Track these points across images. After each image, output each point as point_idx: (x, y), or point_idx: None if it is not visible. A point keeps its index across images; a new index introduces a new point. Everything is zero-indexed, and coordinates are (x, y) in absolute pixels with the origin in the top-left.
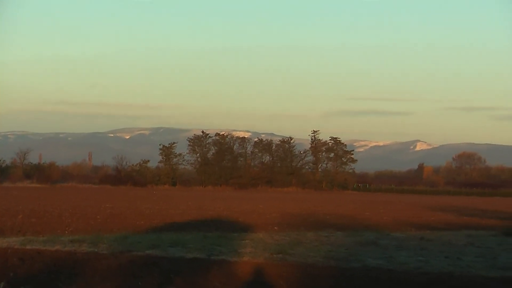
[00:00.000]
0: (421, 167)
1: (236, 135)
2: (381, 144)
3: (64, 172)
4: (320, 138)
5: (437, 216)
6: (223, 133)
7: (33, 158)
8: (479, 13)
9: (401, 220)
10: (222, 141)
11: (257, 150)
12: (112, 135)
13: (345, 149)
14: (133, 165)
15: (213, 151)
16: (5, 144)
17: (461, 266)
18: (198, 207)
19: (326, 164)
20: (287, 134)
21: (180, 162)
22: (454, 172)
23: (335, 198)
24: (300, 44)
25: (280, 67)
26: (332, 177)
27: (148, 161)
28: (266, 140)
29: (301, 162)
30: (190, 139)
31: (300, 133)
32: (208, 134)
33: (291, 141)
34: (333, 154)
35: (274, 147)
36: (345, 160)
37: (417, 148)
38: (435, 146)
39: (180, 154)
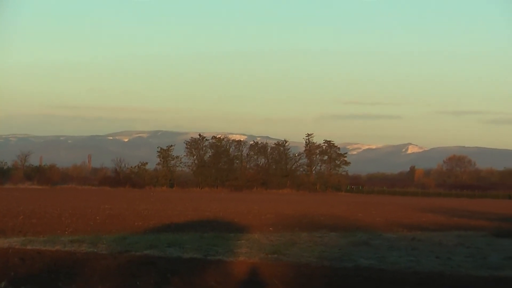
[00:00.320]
0: (412, 169)
1: (232, 138)
2: (374, 147)
3: (64, 174)
4: (314, 141)
5: (428, 217)
6: (220, 136)
7: (34, 160)
8: (469, 20)
9: (393, 221)
10: (219, 144)
11: (252, 153)
12: (111, 138)
13: (338, 152)
14: (131, 167)
15: (210, 154)
16: (6, 146)
17: (451, 265)
18: (195, 208)
19: (320, 166)
20: (282, 137)
21: (177, 165)
22: (445, 174)
23: (328, 200)
24: (294, 49)
25: (275, 72)
26: (325, 179)
27: (146, 163)
28: (262, 143)
29: (295, 164)
30: (187, 142)
31: (294, 136)
32: (204, 137)
33: (286, 144)
34: (326, 156)
35: (269, 150)
36: (338, 163)
37: (409, 151)
38: (426, 149)
39: (177, 157)
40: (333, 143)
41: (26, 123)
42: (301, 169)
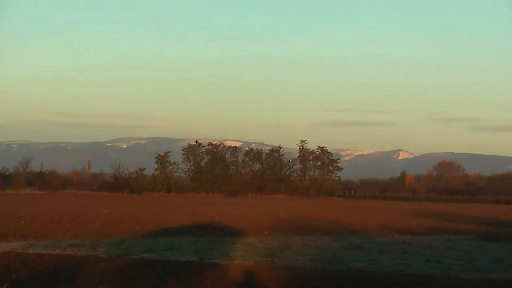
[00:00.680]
0: (403, 175)
1: (228, 145)
2: (366, 153)
3: (64, 180)
4: (308, 147)
5: (419, 222)
6: (216, 142)
7: (35, 166)
8: (457, 31)
9: (384, 225)
10: (215, 150)
11: (247, 159)
12: (110, 144)
13: (331, 158)
14: (130, 173)
15: (206, 160)
16: (8, 153)
17: (441, 268)
18: (192, 213)
19: (313, 172)
20: (276, 143)
21: (174, 170)
22: (435, 179)
23: (321, 204)
24: (289, 58)
25: (270, 80)
26: (319, 185)
27: (144, 169)
28: (257, 149)
29: (289, 170)
30: (184, 148)
31: (288, 143)
32: (201, 143)
33: (280, 150)
34: (320, 162)
35: (264, 156)
36: (331, 168)
37: (400, 157)
38: (416, 155)
39: (174, 163)
40: (326, 149)
41: (27, 130)
42: (295, 175)
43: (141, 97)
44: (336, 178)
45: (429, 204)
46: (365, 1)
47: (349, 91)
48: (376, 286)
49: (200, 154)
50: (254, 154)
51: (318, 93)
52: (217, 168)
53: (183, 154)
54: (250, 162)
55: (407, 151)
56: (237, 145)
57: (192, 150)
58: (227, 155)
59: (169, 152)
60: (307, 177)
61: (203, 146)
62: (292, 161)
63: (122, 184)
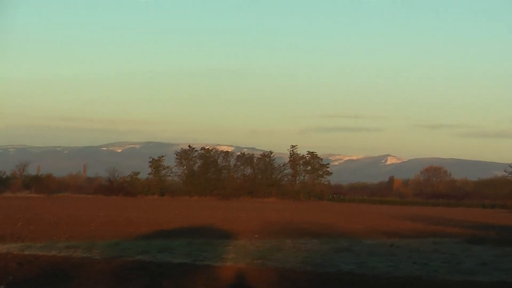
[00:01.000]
0: (391, 179)
1: (220, 149)
2: (355, 158)
3: (60, 183)
4: (298, 152)
5: (406, 225)
6: (208, 147)
7: (31, 170)
8: (445, 39)
9: (373, 228)
10: (207, 154)
11: (239, 163)
12: (105, 148)
13: (321, 162)
14: (124, 176)
15: (199, 164)
16: (5, 156)
17: (428, 271)
18: (185, 216)
19: (304, 176)
20: (267, 148)
21: (168, 174)
22: (422, 184)
23: (311, 208)
24: (279, 66)
25: (261, 87)
26: (309, 189)
27: (139, 173)
28: (248, 154)
29: (280, 174)
30: (178, 152)
31: (279, 148)
32: (194, 148)
33: (271, 155)
34: (310, 167)
35: (255, 161)
36: (321, 173)
37: (388, 162)
38: (404, 160)
39: (168, 167)
40: (316, 154)
41: (24, 134)
42: (286, 179)
43: (135, 103)
44: (326, 183)
45: (416, 208)
46: (354, 9)
47: (339, 98)
48: None
49: (193, 159)
50: (245, 158)
51: (308, 99)
52: (209, 172)
53: (177, 158)
54: (242, 167)
55: (395, 157)
56: (229, 150)
57: (185, 155)
58: (219, 160)
59: (162, 156)
60: (297, 181)
61: (196, 150)
62: (283, 166)
63: (117, 188)
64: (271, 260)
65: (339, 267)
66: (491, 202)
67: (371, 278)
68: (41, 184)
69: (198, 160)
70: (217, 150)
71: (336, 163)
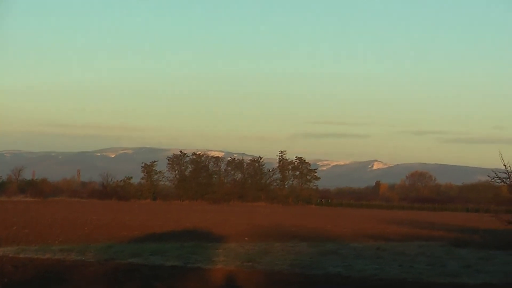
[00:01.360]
0: (377, 184)
1: (211, 155)
2: (342, 163)
3: (55, 187)
4: (287, 157)
5: (392, 229)
6: (199, 152)
7: (27, 175)
8: (428, 48)
9: (359, 232)
10: (198, 160)
11: (230, 168)
12: (98, 154)
13: (309, 167)
14: (117, 181)
15: (190, 169)
16: (1, 161)
17: (413, 273)
18: (176, 220)
19: (292, 181)
20: (257, 153)
21: (160, 179)
22: (407, 189)
23: (300, 212)
24: (269, 73)
25: (251, 93)
26: (297, 193)
27: (131, 177)
28: (238, 159)
29: (269, 179)
30: (170, 158)
31: (269, 153)
32: (185, 153)
33: (261, 160)
34: (298, 172)
35: (245, 166)
36: (309, 178)
37: (374, 167)
38: (390, 165)
39: (160, 172)
40: (304, 160)
41: (19, 140)
42: (275, 184)
43: (128, 109)
44: (314, 187)
45: (402, 212)
46: (342, 19)
47: (327, 105)
48: None
49: (185, 164)
50: (236, 164)
51: (297, 106)
52: (200, 177)
53: (168, 163)
54: (232, 172)
55: (381, 162)
56: (220, 155)
57: (177, 160)
58: (210, 165)
59: (155, 161)
60: (286, 186)
61: (187, 156)
62: (272, 171)
63: (110, 192)
64: (260, 263)
65: (327, 269)
66: (475, 206)
67: (357, 280)
68: (36, 188)
69: (190, 165)
70: (208, 156)
71: (324, 168)
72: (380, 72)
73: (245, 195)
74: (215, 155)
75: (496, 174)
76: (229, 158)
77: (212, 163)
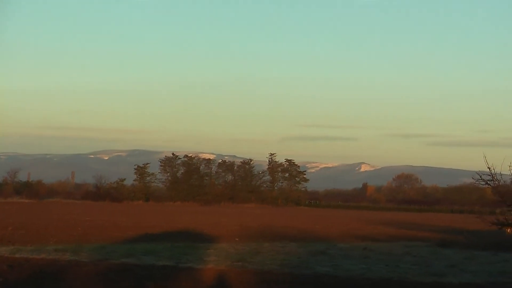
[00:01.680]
0: (365, 186)
1: (202, 157)
2: (330, 165)
3: (50, 189)
4: (277, 160)
5: (379, 229)
6: (191, 155)
7: (22, 177)
8: (415, 55)
9: (347, 233)
10: (190, 162)
11: (220, 170)
12: (92, 156)
13: (298, 170)
14: (111, 183)
15: (182, 171)
16: None
17: (399, 272)
18: (168, 221)
19: (282, 183)
20: (247, 156)
21: (152, 181)
22: (394, 190)
23: (289, 213)
24: (259, 77)
25: (242, 97)
26: (287, 195)
27: (125, 179)
28: (229, 161)
29: (259, 181)
30: (162, 160)
31: (259, 156)
32: (177, 156)
33: (251, 163)
34: (288, 174)
35: (236, 168)
36: (298, 180)
37: (362, 170)
38: (377, 167)
39: (152, 174)
40: (293, 162)
41: (15, 142)
42: (265, 185)
43: (121, 113)
44: (303, 189)
45: (388, 213)
46: (331, 24)
47: (315, 108)
48: None
49: (177, 166)
50: (226, 166)
51: (287, 110)
52: (192, 179)
53: (161, 165)
54: (223, 174)
55: (369, 164)
56: (211, 158)
57: (169, 162)
58: (201, 167)
59: (147, 163)
60: (276, 188)
61: (179, 158)
62: (262, 173)
63: (104, 194)
64: (250, 263)
65: (315, 269)
66: (459, 208)
67: (345, 279)
68: (31, 190)
69: (181, 167)
70: (199, 158)
71: (313, 170)
72: (368, 77)
73: (236, 197)
74: (206, 158)
75: (481, 177)
76: (220, 160)
77: (203, 165)
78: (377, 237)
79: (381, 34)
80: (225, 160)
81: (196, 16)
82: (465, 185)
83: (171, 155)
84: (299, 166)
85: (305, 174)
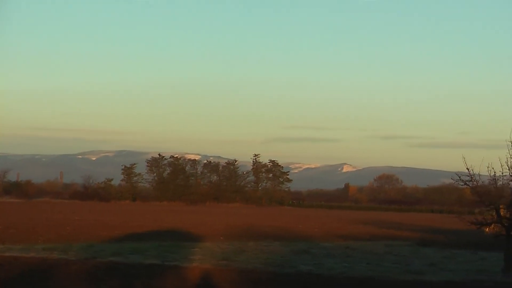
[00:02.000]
0: (347, 186)
1: (188, 158)
2: (313, 166)
3: (39, 189)
4: (261, 160)
5: (360, 229)
6: (177, 155)
7: (12, 177)
8: (396, 58)
9: (330, 232)
10: (176, 162)
11: (206, 171)
12: (80, 156)
13: (282, 170)
14: (98, 183)
15: (168, 171)
16: None
17: (380, 271)
18: (155, 220)
19: (266, 183)
20: (232, 157)
21: (139, 181)
22: (375, 191)
23: (273, 213)
24: (243, 80)
25: (227, 99)
26: (270, 195)
27: (112, 179)
28: (214, 162)
29: (244, 181)
30: (149, 160)
31: (243, 156)
32: (164, 156)
33: (236, 163)
34: (271, 174)
35: (221, 168)
36: (282, 180)
37: (344, 170)
38: (359, 168)
39: (139, 174)
40: (277, 163)
41: (5, 143)
42: (249, 185)
43: (109, 114)
44: (286, 189)
45: (370, 213)
46: (312, 28)
47: (298, 110)
48: (321, 287)
49: (163, 166)
50: (212, 166)
51: (270, 111)
52: (178, 179)
53: (147, 166)
54: (208, 174)
55: (351, 165)
56: (196, 158)
57: (156, 163)
58: (187, 167)
59: (134, 164)
60: (260, 188)
61: (165, 159)
62: (246, 173)
63: (92, 193)
64: (235, 261)
65: (298, 268)
66: (439, 208)
67: (327, 278)
68: (21, 189)
69: (168, 168)
70: (185, 159)
71: (296, 171)
72: (350, 80)
73: (221, 197)
74: (192, 158)
75: (460, 177)
76: (205, 161)
77: (189, 165)
78: (359, 237)
79: (363, 36)
80: (210, 161)
81: (179, 17)
82: (445, 186)
83: (158, 156)
84: (282, 166)
85: (288, 174)
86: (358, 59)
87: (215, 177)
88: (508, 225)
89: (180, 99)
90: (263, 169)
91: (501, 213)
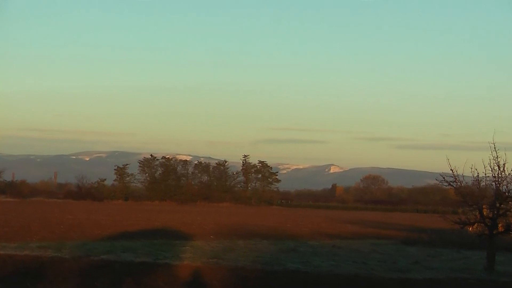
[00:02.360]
0: (334, 186)
1: (179, 158)
2: (301, 167)
3: (33, 189)
4: (250, 161)
5: (347, 228)
6: (169, 156)
7: (7, 176)
8: (382, 61)
9: (317, 231)
10: (168, 163)
11: (197, 171)
12: (74, 157)
13: (270, 171)
14: (92, 183)
15: (160, 172)
16: None
17: (366, 269)
18: (147, 219)
19: (255, 183)
20: (222, 157)
21: (132, 181)
22: (362, 191)
23: (262, 212)
24: (232, 83)
25: (217, 101)
26: (260, 195)
27: (105, 179)
28: (205, 162)
29: (234, 181)
30: (141, 161)
31: (233, 157)
32: (156, 157)
33: (226, 164)
34: (260, 175)
35: (211, 169)
36: (270, 180)
37: (331, 171)
38: (346, 169)
39: (132, 174)
40: (266, 163)
41: (0, 143)
42: (239, 186)
43: (102, 116)
44: (275, 189)
45: (356, 212)
46: (302, 31)
47: (287, 112)
48: (309, 285)
49: (155, 167)
50: (202, 167)
51: (260, 113)
52: (169, 179)
53: (140, 166)
54: (199, 174)
55: (338, 166)
56: (188, 159)
57: (148, 163)
58: (178, 168)
59: (127, 164)
60: (249, 188)
61: (157, 159)
62: (236, 174)
63: (85, 193)
64: (224, 259)
65: (286, 265)
66: (424, 208)
67: (314, 276)
68: (15, 189)
69: (159, 168)
70: (176, 159)
71: (284, 171)
72: (337, 83)
73: (211, 196)
74: (183, 159)
75: (444, 178)
76: (196, 162)
77: (180, 166)
78: (345, 235)
79: (349, 39)
80: (201, 162)
81: (171, 20)
82: (429, 186)
83: (150, 157)
84: (271, 167)
85: (277, 175)
86: (345, 62)
87: (206, 177)
88: (491, 224)
89: (172, 102)
90: (253, 170)
91: (484, 213)
